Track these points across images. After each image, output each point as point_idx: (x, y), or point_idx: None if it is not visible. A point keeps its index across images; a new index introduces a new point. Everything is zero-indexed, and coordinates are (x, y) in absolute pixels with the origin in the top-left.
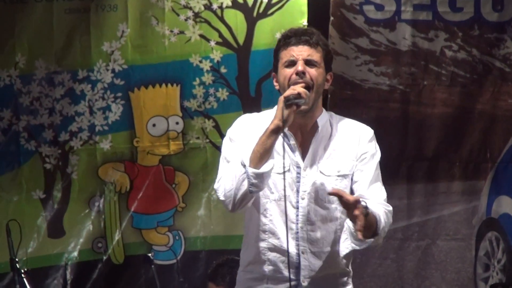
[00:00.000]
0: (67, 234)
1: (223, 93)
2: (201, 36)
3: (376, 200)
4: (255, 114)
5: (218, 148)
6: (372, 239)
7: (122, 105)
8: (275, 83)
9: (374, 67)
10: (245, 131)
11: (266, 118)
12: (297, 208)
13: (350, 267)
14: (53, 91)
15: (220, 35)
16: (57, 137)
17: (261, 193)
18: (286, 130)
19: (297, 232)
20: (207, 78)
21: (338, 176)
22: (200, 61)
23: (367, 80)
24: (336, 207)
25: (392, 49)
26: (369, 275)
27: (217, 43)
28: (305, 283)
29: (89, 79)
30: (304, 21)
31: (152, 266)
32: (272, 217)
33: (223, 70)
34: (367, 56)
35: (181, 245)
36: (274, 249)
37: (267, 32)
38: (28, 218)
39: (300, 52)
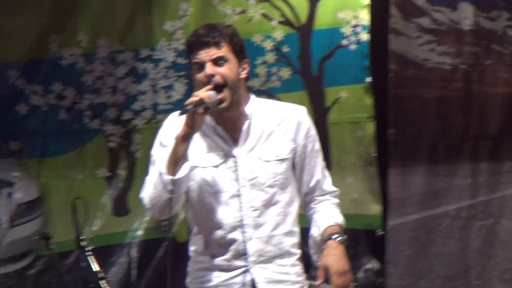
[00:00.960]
0: (132, 212)
1: (285, 72)
2: (263, 15)
3: (328, 193)
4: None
5: None
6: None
7: (185, 84)
8: (193, 84)
9: (436, 47)
10: (173, 133)
11: None
12: (239, 196)
13: (296, 249)
14: (116, 69)
15: (282, 14)
16: (120, 115)
17: (200, 188)
18: (214, 124)
19: (242, 219)
20: (270, 57)
21: (277, 160)
22: (262, 40)
23: (429, 60)
24: (276, 191)
25: (454, 29)
26: (434, 254)
27: (279, 22)
28: (254, 268)
29: (152, 58)
30: (365, 0)
31: None
32: (216, 208)
33: (285, 49)
34: (429, 35)
35: None
36: (219, 239)
37: (329, 11)
38: (93, 196)
39: (206, 54)
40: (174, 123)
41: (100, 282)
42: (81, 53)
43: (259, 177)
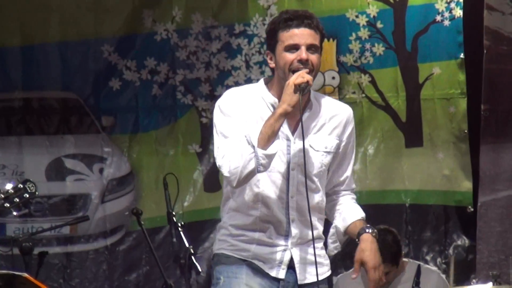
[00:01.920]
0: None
1: (379, 48)
2: None
3: (350, 190)
4: (241, 88)
5: (374, 103)
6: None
7: None
8: (269, 61)
9: None
10: (237, 105)
11: (253, 92)
12: (287, 179)
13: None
14: (209, 45)
15: None
16: (213, 91)
17: None
18: (275, 102)
19: (288, 202)
20: (364, 33)
21: (325, 152)
22: (357, 16)
23: None
24: (319, 180)
25: None
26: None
27: None
28: (293, 249)
29: (246, 34)
30: None
31: None
32: (264, 188)
33: (379, 25)
34: None
35: None
36: (265, 218)
37: None
38: (184, 172)
39: (303, 36)
40: (235, 95)
41: (191, 258)
42: (175, 28)
43: (308, 164)
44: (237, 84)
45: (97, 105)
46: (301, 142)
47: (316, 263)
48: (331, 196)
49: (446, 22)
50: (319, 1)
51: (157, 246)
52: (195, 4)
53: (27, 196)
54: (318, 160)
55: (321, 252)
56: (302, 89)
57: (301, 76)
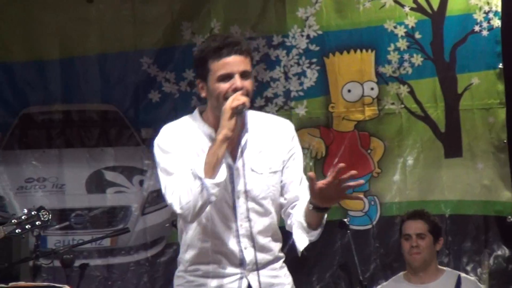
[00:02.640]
0: None
1: (417, 59)
2: (396, 1)
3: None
4: (177, 122)
5: (413, 113)
6: (320, 229)
7: (317, 71)
8: (200, 90)
9: None
10: (175, 141)
11: (190, 125)
12: (234, 207)
13: (281, 252)
14: None
15: (415, 1)
16: (252, 102)
17: None
18: (212, 133)
19: (237, 230)
20: (402, 43)
21: (270, 173)
22: (395, 27)
23: None
24: (269, 202)
25: None
26: None
27: (411, 8)
28: (250, 275)
29: (284, 45)
30: None
31: (348, 231)
32: (212, 219)
33: (417, 35)
34: None
35: (376, 211)
36: (217, 249)
37: None
38: None
39: (235, 64)
40: (172, 130)
41: None
42: None
43: (254, 189)
44: (275, 95)
45: (136, 117)
46: (244, 168)
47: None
48: (287, 210)
49: (485, 32)
50: (357, 12)
51: None
52: (233, 16)
53: (39, 223)
54: (264, 182)
55: (279, 272)
56: (239, 111)
57: (237, 99)
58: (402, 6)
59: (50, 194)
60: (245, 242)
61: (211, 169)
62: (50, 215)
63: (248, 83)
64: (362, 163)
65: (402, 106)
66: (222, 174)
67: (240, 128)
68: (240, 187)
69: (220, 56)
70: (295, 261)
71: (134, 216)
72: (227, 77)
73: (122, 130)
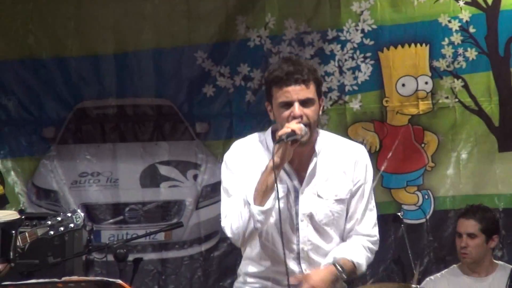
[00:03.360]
0: None
1: (472, 53)
2: None
3: (362, 235)
4: (248, 138)
5: (467, 107)
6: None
7: (371, 65)
8: (269, 113)
9: None
10: (243, 160)
11: (260, 143)
12: (297, 230)
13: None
14: (303, 51)
15: None
16: None
17: None
18: None
19: (298, 253)
20: (456, 38)
21: (335, 200)
22: (449, 21)
23: None
24: (331, 228)
25: None
26: None
27: (466, 3)
28: None
29: (339, 39)
30: None
31: (402, 225)
32: (274, 240)
33: (472, 29)
34: None
35: (430, 204)
36: (276, 270)
37: None
38: None
39: (296, 93)
40: (241, 148)
41: None
42: (268, 35)
43: (317, 214)
44: (330, 89)
45: (191, 111)
46: (310, 193)
47: None
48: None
49: None
50: (411, 6)
51: None
52: (288, 10)
53: (72, 226)
54: (328, 208)
55: None
56: (285, 140)
57: (286, 127)
58: (457, 0)
59: (104, 189)
60: (305, 265)
61: (260, 196)
62: (83, 219)
63: (309, 111)
64: (415, 157)
65: (456, 100)
66: (271, 202)
67: (307, 152)
68: (304, 210)
69: (281, 85)
70: None
71: (188, 210)
72: (287, 104)
73: (176, 124)
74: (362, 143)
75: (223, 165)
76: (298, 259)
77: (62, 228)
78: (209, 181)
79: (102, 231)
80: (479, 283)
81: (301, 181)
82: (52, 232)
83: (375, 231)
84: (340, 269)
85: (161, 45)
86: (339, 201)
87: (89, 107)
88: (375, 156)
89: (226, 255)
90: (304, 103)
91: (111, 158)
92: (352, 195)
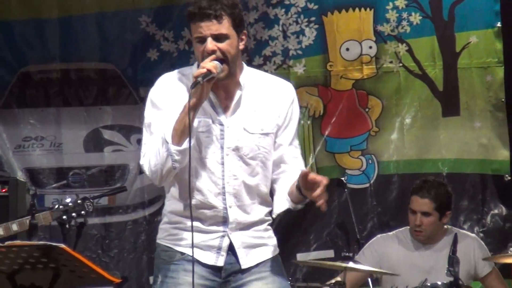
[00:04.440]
0: None
1: (416, 17)
2: None
3: (295, 163)
4: (174, 73)
5: (411, 72)
6: (300, 205)
7: (315, 29)
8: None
9: None
10: (168, 95)
11: (186, 77)
12: (222, 164)
13: (269, 216)
14: (247, 15)
15: None
16: (251, 61)
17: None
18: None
19: (223, 187)
20: (400, 2)
21: (262, 134)
22: None
23: None
24: (257, 163)
25: None
26: None
27: None
28: (232, 234)
29: (283, 4)
30: None
31: (345, 190)
32: (199, 175)
33: None
34: None
35: (374, 169)
36: (201, 206)
37: None
38: None
39: (208, 28)
40: (166, 83)
41: None
42: None
43: (243, 148)
44: (274, 54)
45: (135, 76)
46: (236, 126)
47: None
48: (275, 179)
49: None
50: None
51: None
52: None
53: (84, 213)
54: (254, 142)
55: (263, 234)
56: (201, 80)
57: (201, 67)
58: None
59: (48, 153)
60: (230, 201)
61: (177, 136)
62: (92, 207)
63: (224, 45)
64: (359, 121)
65: (400, 64)
66: (188, 142)
67: (232, 85)
68: (229, 144)
69: (195, 20)
70: (292, 220)
71: (131, 174)
72: (201, 40)
73: (120, 89)
74: (306, 108)
75: (147, 101)
76: (223, 194)
77: (74, 214)
78: None
79: (46, 196)
80: (429, 246)
81: (226, 115)
82: (65, 217)
83: (303, 165)
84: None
85: (105, 9)
86: (266, 135)
87: (33, 71)
88: (319, 121)
89: None
90: (218, 38)
91: (55, 123)
92: (281, 130)
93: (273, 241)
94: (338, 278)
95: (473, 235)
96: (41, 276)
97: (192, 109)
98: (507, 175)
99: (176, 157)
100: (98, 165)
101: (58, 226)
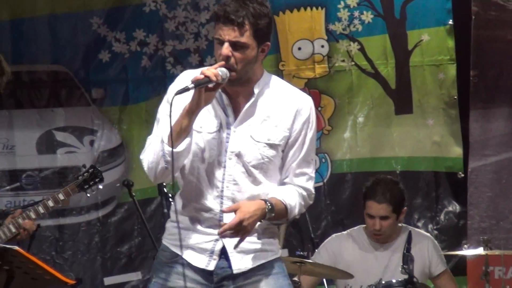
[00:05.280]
0: None
1: (367, 16)
2: None
3: (298, 186)
4: (196, 70)
5: (363, 70)
6: (280, 222)
7: None
8: None
9: None
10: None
11: None
12: (224, 167)
13: (270, 222)
14: (198, 16)
15: None
16: (203, 61)
17: (192, 150)
18: (221, 91)
19: (222, 191)
20: (352, 1)
21: (267, 144)
22: None
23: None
24: (260, 172)
25: None
26: None
27: None
28: (225, 239)
29: None
30: None
31: None
32: (200, 176)
33: None
34: None
35: (327, 168)
36: (199, 207)
37: None
38: None
39: (227, 33)
40: (185, 81)
41: None
42: (164, 0)
43: (246, 155)
44: None
45: (87, 77)
46: (243, 132)
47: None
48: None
49: None
50: None
51: (149, 217)
52: None
53: (97, 181)
54: (258, 151)
55: (261, 239)
56: (199, 86)
57: (201, 73)
58: None
59: (0, 156)
60: (227, 205)
61: (173, 137)
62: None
63: (238, 54)
64: None
65: (353, 63)
66: (182, 145)
67: (245, 92)
68: (233, 148)
69: (218, 22)
70: None
71: None
72: (220, 42)
73: (73, 90)
74: None
75: (165, 96)
76: (221, 197)
77: (91, 182)
78: (105, 146)
79: None
80: (385, 245)
81: (235, 119)
82: (86, 187)
83: (310, 185)
84: (269, 205)
85: (56, 10)
86: (271, 146)
87: None
88: None
89: (123, 221)
90: (235, 45)
91: (7, 125)
92: (290, 145)
93: (272, 245)
94: (295, 278)
95: (428, 234)
96: None
97: (188, 112)
98: (460, 173)
99: (168, 158)
100: (51, 167)
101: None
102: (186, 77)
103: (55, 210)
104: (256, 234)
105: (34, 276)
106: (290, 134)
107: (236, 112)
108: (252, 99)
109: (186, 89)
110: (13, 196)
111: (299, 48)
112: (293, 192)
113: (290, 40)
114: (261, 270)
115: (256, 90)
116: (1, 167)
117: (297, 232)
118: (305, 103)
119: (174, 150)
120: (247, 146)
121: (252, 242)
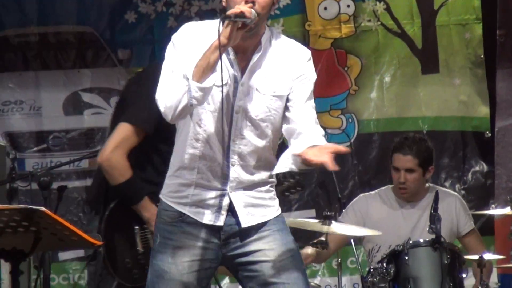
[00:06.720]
0: None
1: None
2: None
3: (311, 123)
4: (199, 23)
5: (389, 30)
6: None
7: None
8: (223, 2)
9: None
10: (190, 40)
11: (211, 29)
12: (231, 121)
13: (272, 177)
14: None
15: None
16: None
17: None
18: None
19: (229, 145)
20: None
21: (274, 96)
22: None
23: None
24: (267, 125)
25: None
26: None
27: None
28: (232, 193)
29: None
30: None
31: None
32: (206, 127)
33: None
34: None
35: (354, 128)
36: (204, 157)
37: None
38: None
39: None
40: (190, 29)
41: None
42: None
43: (254, 108)
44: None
45: (113, 38)
46: (249, 86)
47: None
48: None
49: None
50: None
51: None
52: None
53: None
54: (265, 104)
55: (265, 194)
56: (233, 20)
57: (236, 8)
58: None
59: (27, 117)
60: (234, 159)
61: (200, 73)
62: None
63: (262, 0)
64: (339, 80)
65: (379, 23)
66: (211, 80)
67: (252, 44)
68: (240, 103)
69: None
70: None
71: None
72: None
73: (99, 51)
74: None
75: (169, 45)
76: (227, 151)
77: (292, 190)
78: None
79: (26, 159)
80: (412, 203)
81: (242, 73)
82: (287, 194)
83: (320, 130)
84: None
85: None
86: (278, 97)
87: (10, 35)
88: None
89: None
90: None
91: (34, 86)
92: (294, 91)
93: (275, 202)
94: (322, 238)
95: (455, 193)
96: (22, 239)
97: (217, 47)
98: (487, 132)
99: (195, 94)
100: (78, 128)
101: (39, 190)
102: (191, 27)
103: (82, 171)
104: (260, 190)
105: (61, 237)
106: (293, 80)
107: (243, 66)
108: (260, 53)
109: (227, 18)
110: (40, 158)
111: (325, 8)
112: (320, 137)
113: (316, 0)
114: (267, 226)
115: (263, 42)
116: (28, 129)
117: (324, 193)
118: (305, 52)
119: (203, 85)
120: (254, 99)
121: (257, 197)
